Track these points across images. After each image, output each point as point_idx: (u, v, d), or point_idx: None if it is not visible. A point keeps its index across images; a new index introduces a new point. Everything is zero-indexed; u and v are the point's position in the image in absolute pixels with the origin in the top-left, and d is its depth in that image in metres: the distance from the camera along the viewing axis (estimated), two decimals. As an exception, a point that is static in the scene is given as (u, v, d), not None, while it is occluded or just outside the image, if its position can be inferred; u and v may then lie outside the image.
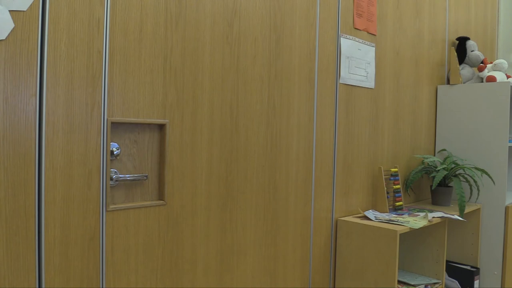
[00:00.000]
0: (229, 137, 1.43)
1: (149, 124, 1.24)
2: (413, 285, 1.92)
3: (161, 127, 1.26)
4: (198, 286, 1.39)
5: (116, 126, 1.17)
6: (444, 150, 2.45)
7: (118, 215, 1.17)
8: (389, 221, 1.80)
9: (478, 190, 2.19)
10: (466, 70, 2.56)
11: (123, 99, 1.16)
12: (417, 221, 1.82)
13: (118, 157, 1.18)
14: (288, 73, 1.60)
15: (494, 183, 2.21)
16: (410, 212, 2.04)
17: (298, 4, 1.63)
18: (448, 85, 2.52)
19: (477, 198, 2.26)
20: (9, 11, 0.94)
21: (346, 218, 1.85)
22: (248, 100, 1.48)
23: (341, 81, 1.83)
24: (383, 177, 2.01)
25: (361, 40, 1.93)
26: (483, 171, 2.17)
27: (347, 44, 1.86)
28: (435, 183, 2.10)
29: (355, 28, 1.90)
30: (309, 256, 1.73)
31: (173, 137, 1.27)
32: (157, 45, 1.23)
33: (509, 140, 2.29)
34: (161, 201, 1.27)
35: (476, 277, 2.25)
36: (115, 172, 1.18)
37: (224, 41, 1.40)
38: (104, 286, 1.15)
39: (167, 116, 1.26)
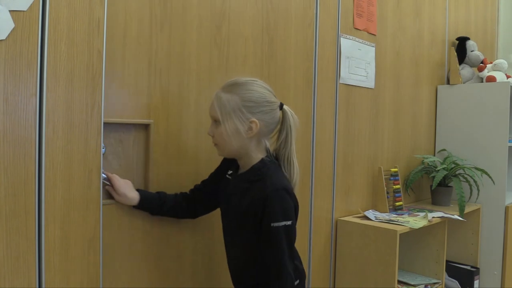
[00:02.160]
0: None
1: (134, 124, 1.24)
2: (413, 285, 1.92)
3: (146, 127, 1.26)
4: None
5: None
6: (444, 150, 2.45)
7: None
8: (389, 221, 1.80)
9: (478, 190, 2.19)
10: (466, 70, 2.56)
11: (108, 99, 1.15)
12: (417, 221, 1.82)
13: (103, 156, 1.18)
14: (283, 73, 1.59)
15: (494, 183, 2.21)
16: (410, 212, 2.04)
17: (294, 5, 1.62)
18: (448, 85, 2.52)
19: (477, 198, 2.26)
20: (9, 11, 0.94)
21: (346, 218, 1.85)
22: None
23: (341, 81, 1.83)
24: (383, 177, 2.01)
25: (361, 40, 1.93)
26: (483, 171, 2.17)
27: (347, 44, 1.86)
28: (435, 183, 2.10)
29: (355, 28, 1.90)
30: (309, 256, 1.73)
31: (158, 137, 1.27)
32: (142, 48, 1.23)
33: (509, 140, 2.28)
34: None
35: (476, 277, 2.25)
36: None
37: (212, 43, 1.39)
38: (104, 286, 1.15)
39: (152, 117, 1.26)
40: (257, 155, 1.13)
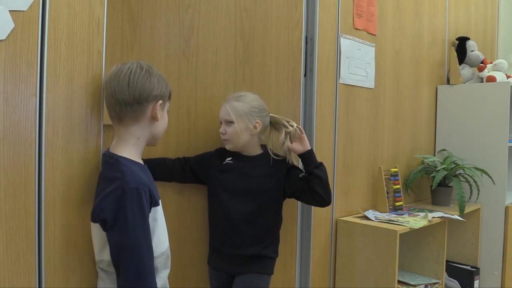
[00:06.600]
0: (186, 138, 1.49)
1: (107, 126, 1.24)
2: (413, 285, 1.92)
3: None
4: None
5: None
6: (444, 150, 2.45)
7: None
8: (389, 221, 1.80)
9: (478, 190, 2.19)
10: (466, 70, 2.56)
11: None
12: (417, 221, 1.82)
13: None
14: (262, 75, 1.59)
15: (494, 183, 2.21)
16: (410, 212, 2.04)
17: (275, 8, 1.61)
18: (448, 85, 2.52)
19: (477, 198, 2.26)
20: (9, 11, 0.94)
21: (346, 218, 1.85)
22: (208, 104, 1.52)
23: (341, 81, 1.83)
24: (383, 177, 2.01)
25: (361, 40, 1.93)
26: (483, 171, 2.17)
27: (347, 44, 1.86)
28: (435, 183, 2.10)
29: (355, 28, 1.90)
30: (309, 256, 1.73)
31: None
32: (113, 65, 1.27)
33: (509, 140, 2.28)
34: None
35: (476, 277, 2.25)
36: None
37: (180, 55, 1.47)
38: (104, 286, 1.15)
39: None
40: (258, 147, 1.49)
